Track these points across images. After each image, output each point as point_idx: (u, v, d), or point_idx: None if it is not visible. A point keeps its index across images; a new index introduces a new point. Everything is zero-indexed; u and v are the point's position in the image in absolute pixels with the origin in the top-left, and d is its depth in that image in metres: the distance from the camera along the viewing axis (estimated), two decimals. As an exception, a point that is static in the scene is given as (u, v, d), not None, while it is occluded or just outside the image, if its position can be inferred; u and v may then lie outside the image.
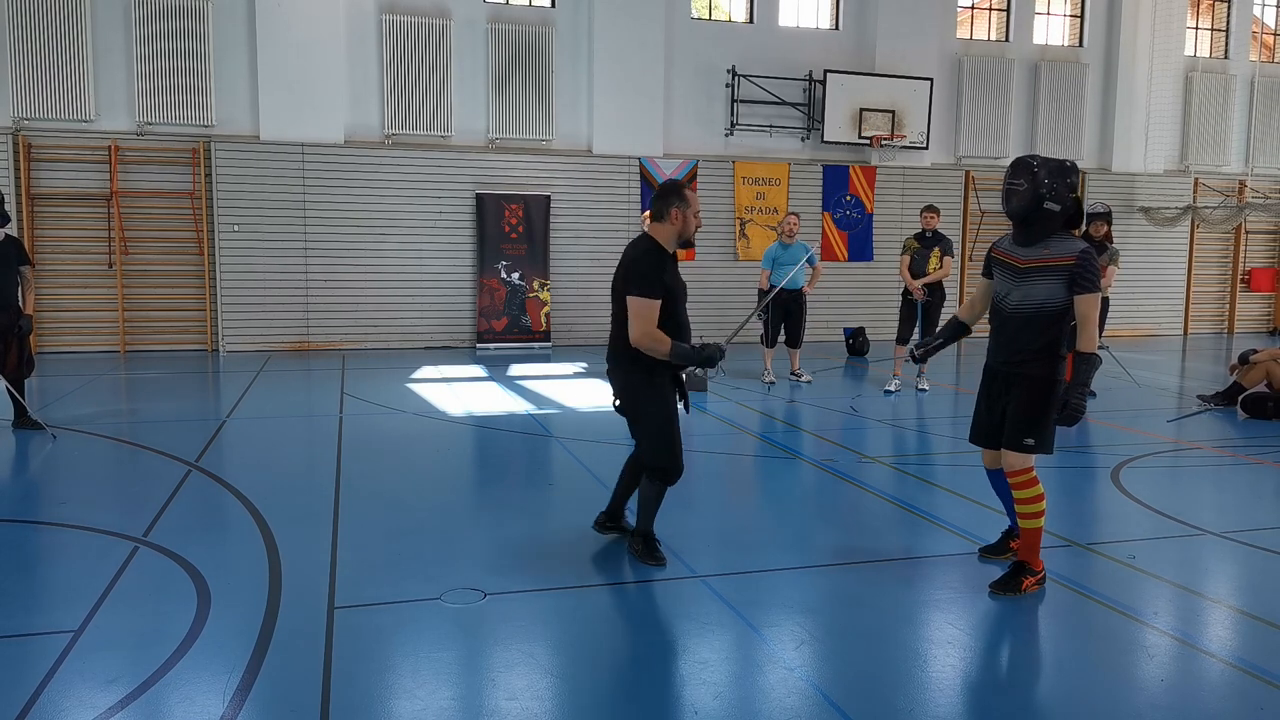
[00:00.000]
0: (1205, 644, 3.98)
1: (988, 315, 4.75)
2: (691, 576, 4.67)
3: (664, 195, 4.67)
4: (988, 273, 4.67)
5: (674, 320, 4.59)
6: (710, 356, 4.60)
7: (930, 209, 10.39)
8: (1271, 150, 18.18)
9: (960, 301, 16.51)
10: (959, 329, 4.94)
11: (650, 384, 4.66)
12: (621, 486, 5.16)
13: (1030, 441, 4.39)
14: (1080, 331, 4.32)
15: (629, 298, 4.49)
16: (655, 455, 4.71)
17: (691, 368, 4.74)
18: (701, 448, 7.91)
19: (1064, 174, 4.31)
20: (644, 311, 4.47)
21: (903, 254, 10.52)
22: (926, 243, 10.34)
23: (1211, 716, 3.37)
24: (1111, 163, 17.21)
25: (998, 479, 4.80)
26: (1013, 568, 4.58)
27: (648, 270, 4.50)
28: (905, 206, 15.99)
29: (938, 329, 5.00)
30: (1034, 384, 4.39)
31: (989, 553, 4.97)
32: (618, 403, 4.86)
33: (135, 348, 13.29)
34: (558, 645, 3.96)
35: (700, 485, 6.90)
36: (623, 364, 4.70)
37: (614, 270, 4.75)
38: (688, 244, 4.73)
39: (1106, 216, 10.10)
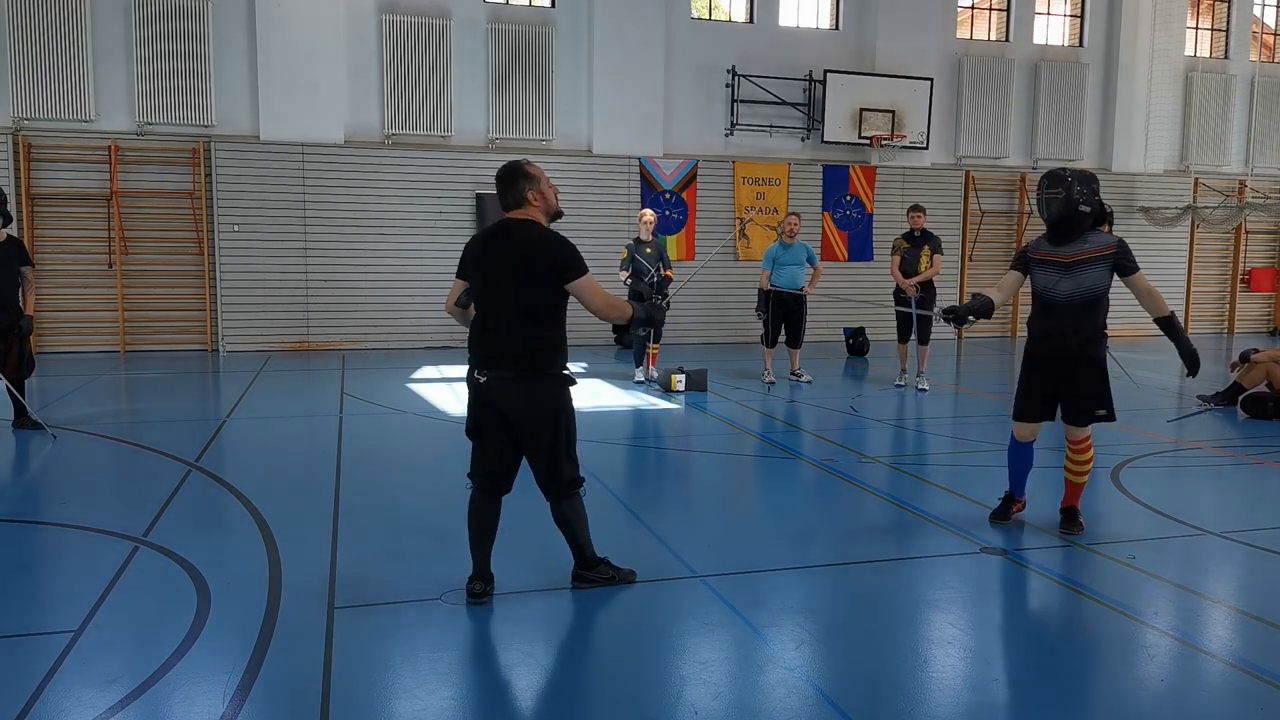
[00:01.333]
0: (1205, 644, 3.98)
1: (1034, 307, 5.27)
2: (691, 576, 4.67)
3: (511, 181, 4.18)
4: (1021, 268, 5.26)
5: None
6: (655, 316, 4.41)
7: (916, 208, 10.59)
8: (1271, 150, 18.18)
9: (960, 298, 16.52)
10: (989, 307, 5.28)
11: (562, 384, 4.21)
12: (573, 539, 4.45)
13: (1103, 412, 5.13)
14: (1151, 300, 5.05)
15: (580, 280, 4.10)
16: (570, 468, 4.26)
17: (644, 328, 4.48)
18: (701, 448, 7.91)
19: (1091, 181, 5.06)
20: (597, 285, 4.18)
21: (893, 254, 10.64)
22: (915, 242, 10.46)
23: (1211, 716, 3.37)
24: (1111, 163, 17.21)
25: (1023, 451, 5.37)
26: (1069, 514, 5.36)
27: (570, 247, 4.13)
28: (906, 206, 15.95)
29: (970, 301, 5.36)
30: (1096, 365, 5.08)
31: (998, 518, 5.48)
32: (475, 421, 4.22)
33: (135, 348, 13.29)
34: (558, 645, 3.96)
35: (700, 485, 6.90)
36: (543, 369, 4.14)
37: (524, 261, 4.11)
38: (558, 215, 4.33)
39: (1108, 216, 10.10)
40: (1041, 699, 3.53)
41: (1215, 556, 5.19)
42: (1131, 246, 5.14)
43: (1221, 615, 4.34)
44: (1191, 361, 5.06)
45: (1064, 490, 5.43)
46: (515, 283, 4.10)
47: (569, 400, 4.25)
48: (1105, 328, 5.15)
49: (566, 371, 4.23)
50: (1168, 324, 5.05)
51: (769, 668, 3.70)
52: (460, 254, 4.34)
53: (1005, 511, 5.52)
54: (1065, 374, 5.11)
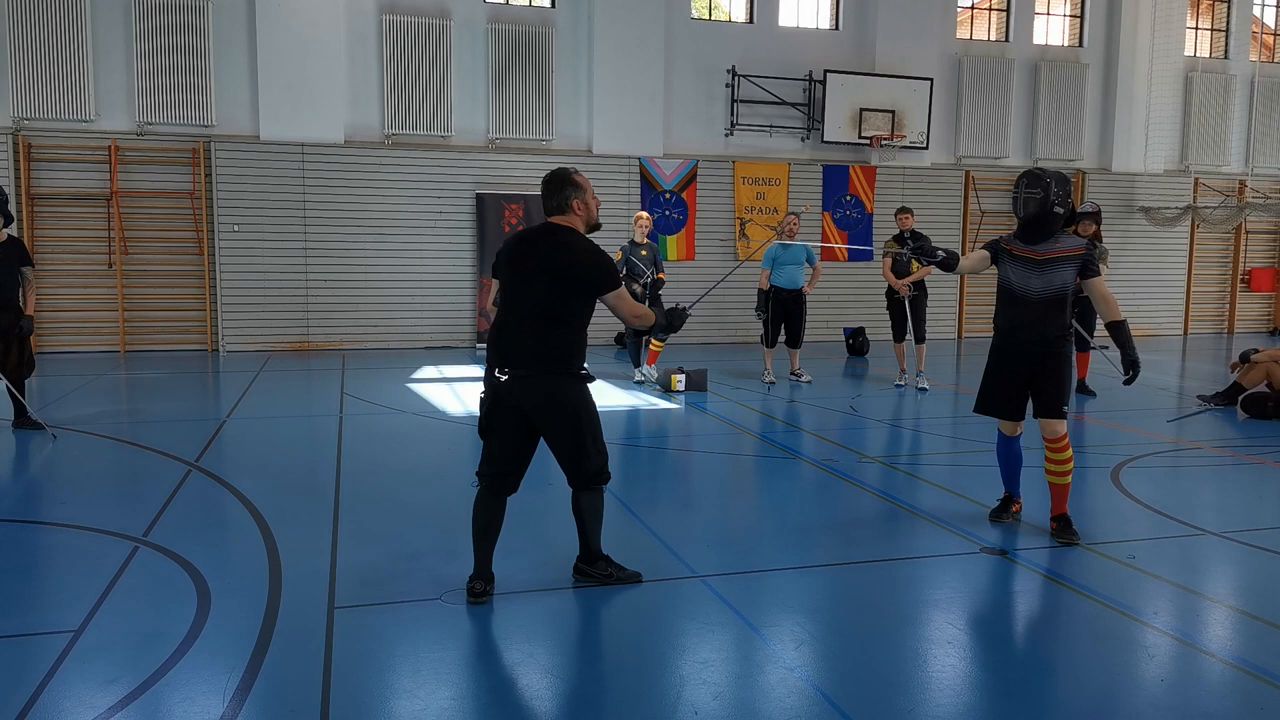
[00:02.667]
0: (1205, 644, 3.98)
1: (1001, 301, 5.38)
2: (691, 576, 4.67)
3: (558, 187, 4.28)
4: (990, 252, 5.37)
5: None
6: (674, 323, 4.74)
7: (904, 210, 10.73)
8: (1271, 150, 18.17)
9: (960, 298, 16.53)
10: (954, 261, 5.45)
11: (579, 384, 4.30)
12: (582, 530, 4.55)
13: (1066, 408, 5.26)
14: (1107, 305, 5.17)
15: (614, 293, 4.23)
16: (598, 458, 4.35)
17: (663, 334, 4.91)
18: (702, 448, 7.91)
19: (1065, 183, 5.18)
20: (627, 295, 4.31)
21: (884, 256, 10.73)
22: (905, 243, 10.50)
23: (1211, 716, 3.37)
24: (1111, 163, 17.20)
25: (1011, 446, 5.47)
26: (1061, 521, 5.29)
27: (608, 261, 4.28)
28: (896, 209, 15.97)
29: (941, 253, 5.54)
30: (1064, 361, 5.24)
31: (997, 517, 5.58)
32: (485, 419, 4.30)
33: (135, 348, 13.29)
34: (558, 645, 3.96)
35: (700, 485, 6.89)
36: (562, 369, 4.22)
37: (559, 268, 4.20)
38: (596, 228, 4.41)
39: (1095, 216, 10.19)
40: (1041, 699, 3.54)
41: (1215, 556, 5.19)
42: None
43: (1221, 615, 4.35)
44: (1131, 367, 5.10)
45: (1050, 497, 5.39)
46: (544, 286, 4.18)
47: (588, 395, 4.34)
48: (1070, 325, 5.32)
49: (584, 370, 4.32)
50: (1118, 329, 5.14)
51: (769, 668, 3.70)
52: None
53: (1004, 510, 5.61)
54: (1035, 368, 5.23)
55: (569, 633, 4.09)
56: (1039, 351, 5.21)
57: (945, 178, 16.44)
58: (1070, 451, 5.30)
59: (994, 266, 5.41)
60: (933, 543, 5.26)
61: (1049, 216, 5.11)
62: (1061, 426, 5.25)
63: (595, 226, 4.41)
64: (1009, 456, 5.54)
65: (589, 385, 4.34)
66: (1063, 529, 5.28)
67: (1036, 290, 5.19)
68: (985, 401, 5.47)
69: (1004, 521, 5.54)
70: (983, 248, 5.44)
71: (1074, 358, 5.40)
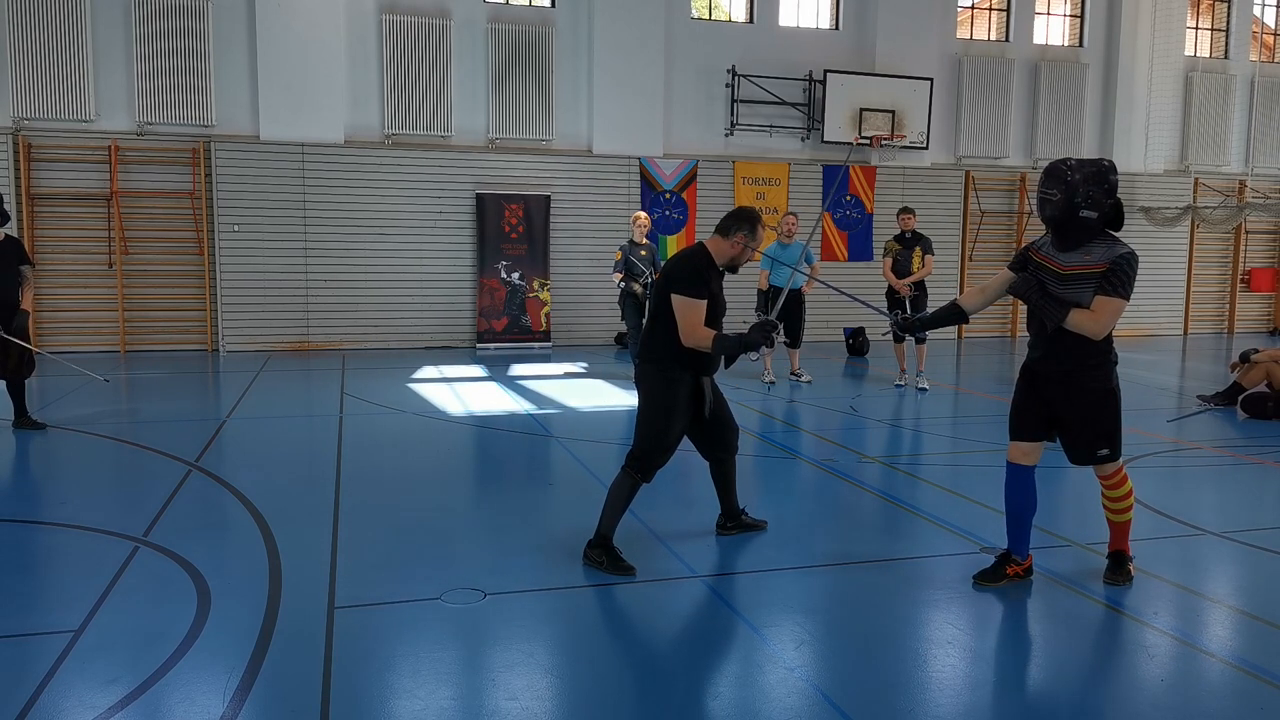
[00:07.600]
0: (1205, 644, 3.98)
1: (1028, 317, 4.59)
2: (691, 576, 4.67)
3: (739, 218, 4.78)
4: (1018, 269, 4.49)
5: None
6: (751, 340, 4.60)
7: (906, 210, 10.75)
8: (1271, 150, 18.17)
9: (960, 289, 16.51)
10: (956, 315, 4.71)
11: (661, 377, 4.73)
12: (720, 489, 5.28)
13: (1105, 452, 4.42)
14: (1088, 313, 4.20)
15: (676, 297, 4.59)
16: (640, 442, 4.74)
17: (744, 354, 4.87)
18: (701, 448, 7.90)
19: (1100, 179, 4.17)
20: (689, 310, 4.58)
21: (885, 256, 10.81)
22: (907, 243, 10.61)
23: (1211, 716, 3.37)
24: (1111, 163, 17.19)
25: (1021, 481, 4.51)
26: (1114, 557, 4.66)
27: (692, 273, 4.64)
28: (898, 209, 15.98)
29: (933, 310, 5.03)
30: (1096, 397, 4.35)
31: (986, 580, 4.56)
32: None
33: (135, 348, 13.29)
34: (558, 645, 3.96)
35: (700, 485, 6.88)
36: (650, 359, 4.79)
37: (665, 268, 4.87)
38: (733, 269, 4.80)
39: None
40: (1041, 699, 3.54)
41: (1215, 556, 5.19)
42: (1132, 246, 4.29)
43: (1221, 615, 4.35)
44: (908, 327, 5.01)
45: (1108, 532, 4.73)
46: (659, 286, 4.78)
47: (660, 389, 4.71)
48: (1109, 355, 4.36)
49: (667, 369, 4.69)
50: (1042, 296, 4.32)
51: (769, 668, 3.70)
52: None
53: (998, 572, 4.58)
54: (1058, 400, 4.40)
55: (569, 633, 4.09)
56: (1061, 379, 4.36)
57: (945, 178, 16.44)
58: (1128, 486, 4.55)
59: None
60: (933, 543, 5.26)
61: (1073, 222, 4.18)
62: (1110, 466, 4.48)
63: (729, 265, 4.79)
64: (1018, 492, 4.53)
65: (667, 383, 4.70)
66: (1115, 568, 4.62)
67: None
68: (1012, 422, 4.58)
69: (993, 585, 4.54)
70: (1009, 266, 4.58)
71: (1114, 385, 4.38)
